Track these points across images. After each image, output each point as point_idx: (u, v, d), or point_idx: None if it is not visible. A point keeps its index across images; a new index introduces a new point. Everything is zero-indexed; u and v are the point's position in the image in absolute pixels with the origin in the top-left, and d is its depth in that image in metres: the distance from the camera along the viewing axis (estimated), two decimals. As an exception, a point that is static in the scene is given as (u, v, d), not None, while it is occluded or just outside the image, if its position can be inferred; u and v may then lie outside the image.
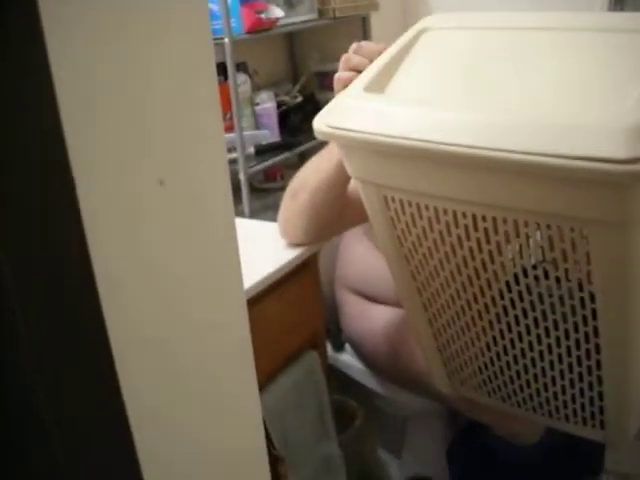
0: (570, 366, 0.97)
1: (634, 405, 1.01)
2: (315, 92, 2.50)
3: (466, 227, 0.88)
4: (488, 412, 1.35)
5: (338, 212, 1.30)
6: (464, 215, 0.86)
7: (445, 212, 0.88)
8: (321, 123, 0.91)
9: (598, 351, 0.92)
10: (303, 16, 2.28)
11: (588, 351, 0.94)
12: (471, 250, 0.90)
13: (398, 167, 0.87)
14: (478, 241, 0.88)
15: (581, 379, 0.98)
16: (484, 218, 0.85)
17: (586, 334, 0.92)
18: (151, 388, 0.47)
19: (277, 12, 2.04)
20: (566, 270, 0.86)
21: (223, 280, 0.53)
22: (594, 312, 0.88)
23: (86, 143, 0.40)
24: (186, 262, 0.49)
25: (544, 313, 0.93)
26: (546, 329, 0.95)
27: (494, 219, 0.84)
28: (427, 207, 0.89)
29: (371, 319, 1.61)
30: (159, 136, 0.46)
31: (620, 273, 0.81)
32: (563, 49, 0.88)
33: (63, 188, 0.39)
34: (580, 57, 0.85)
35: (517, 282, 0.92)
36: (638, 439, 1.09)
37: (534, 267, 0.90)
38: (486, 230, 0.86)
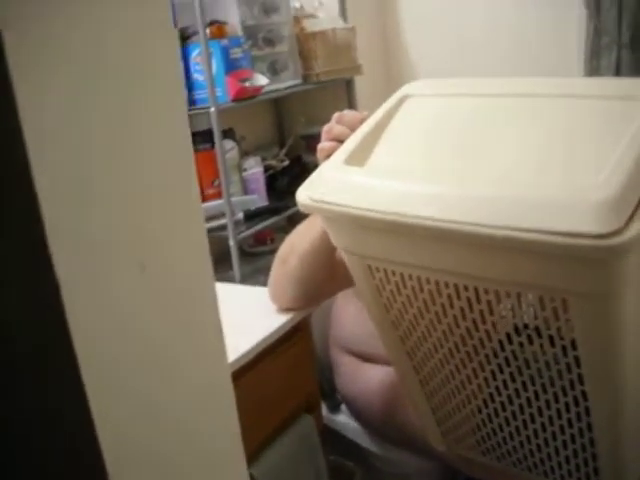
0: (562, 428, 0.97)
1: (628, 466, 1.00)
2: (302, 155, 2.54)
3: (449, 296, 0.88)
4: (486, 470, 1.34)
5: (327, 276, 1.31)
6: (446, 285, 0.86)
7: (428, 281, 0.88)
8: (303, 196, 0.93)
9: (588, 413, 0.92)
10: (288, 82, 2.33)
11: (578, 414, 0.93)
12: (455, 318, 0.91)
13: (378, 239, 0.88)
14: (462, 310, 0.88)
15: (573, 441, 0.97)
16: (466, 288, 0.85)
17: (575, 397, 0.91)
18: (135, 463, 0.48)
19: (261, 80, 2.08)
20: (550, 337, 0.86)
21: (207, 359, 0.54)
22: (581, 376, 0.88)
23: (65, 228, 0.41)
24: (168, 339, 0.50)
25: (532, 377, 0.93)
26: (535, 393, 0.94)
27: (476, 289, 0.84)
28: (410, 277, 0.89)
29: (365, 379, 1.60)
30: (136, 215, 0.47)
31: (603, 341, 0.81)
32: (542, 116, 0.88)
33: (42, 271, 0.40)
34: (553, 125, 0.86)
35: (502, 348, 0.92)
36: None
37: (517, 332, 0.91)
38: (469, 299, 0.86)
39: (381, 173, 0.91)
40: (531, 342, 0.89)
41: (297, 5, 2.48)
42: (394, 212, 0.81)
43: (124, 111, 0.47)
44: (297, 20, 2.39)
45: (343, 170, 0.92)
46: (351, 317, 1.64)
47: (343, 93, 2.52)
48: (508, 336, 0.90)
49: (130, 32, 0.46)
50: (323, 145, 1.08)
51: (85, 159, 0.44)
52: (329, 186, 0.90)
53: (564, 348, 0.86)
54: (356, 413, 1.68)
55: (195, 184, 0.54)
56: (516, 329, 0.92)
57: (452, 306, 0.89)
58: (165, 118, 0.50)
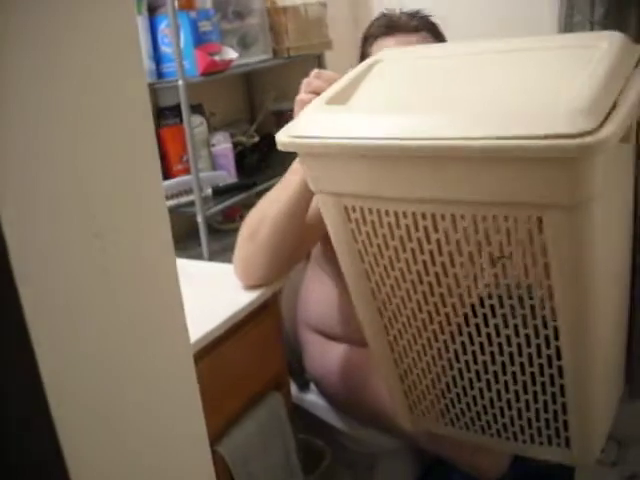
0: (533, 377, 0.98)
1: (598, 417, 1.01)
2: (272, 131, 2.50)
3: (426, 229, 0.90)
4: (452, 446, 1.34)
5: (299, 240, 1.31)
6: (424, 216, 0.89)
7: (405, 215, 0.90)
8: (283, 135, 0.94)
9: (559, 357, 0.94)
10: (258, 56, 2.30)
11: (549, 357, 0.95)
12: (431, 254, 0.92)
13: (359, 173, 0.90)
14: (438, 243, 0.91)
15: (544, 391, 0.99)
16: (443, 217, 0.87)
17: (546, 337, 0.93)
18: (94, 445, 0.46)
19: (231, 53, 2.05)
20: (525, 267, 0.88)
21: (167, 334, 0.52)
22: (553, 310, 0.90)
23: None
24: (127, 317, 0.48)
25: (497, 326, 0.96)
26: (507, 337, 0.97)
27: (453, 217, 0.87)
28: (387, 212, 0.91)
29: (333, 357, 1.60)
30: (96, 189, 0.45)
31: (575, 262, 0.84)
32: (505, 64, 0.95)
33: None
34: (522, 68, 0.93)
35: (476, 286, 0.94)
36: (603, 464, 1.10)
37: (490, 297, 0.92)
38: (445, 230, 0.89)
39: (363, 109, 0.94)
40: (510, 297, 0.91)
41: (268, -22, 2.44)
42: (378, 137, 0.84)
43: (83, 77, 0.45)
44: (268, -6, 2.36)
45: (325, 109, 0.94)
46: (319, 296, 1.63)
47: (313, 68, 2.49)
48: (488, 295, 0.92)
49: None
50: (302, 97, 1.11)
51: (40, 126, 0.42)
52: (311, 123, 0.91)
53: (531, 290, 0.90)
54: (324, 391, 1.68)
55: (156, 156, 0.53)
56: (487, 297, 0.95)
57: (429, 240, 0.91)
58: (124, 88, 0.48)
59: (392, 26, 1.49)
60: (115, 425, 0.48)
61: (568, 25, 2.26)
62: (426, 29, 1.49)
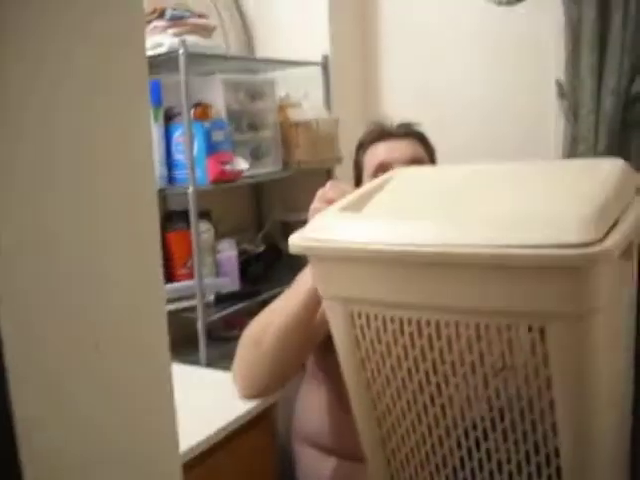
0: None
1: None
2: (278, 241, 2.53)
3: (429, 337, 0.90)
4: None
5: (304, 351, 1.31)
6: (428, 323, 0.89)
7: (409, 323, 0.91)
8: (296, 238, 0.96)
9: (559, 477, 0.92)
10: (268, 167, 2.34)
11: (550, 477, 0.93)
12: (434, 362, 0.92)
13: (368, 277, 0.91)
14: (441, 351, 0.91)
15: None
16: (447, 324, 0.88)
17: (547, 455, 0.92)
18: None
19: (242, 164, 2.09)
20: (526, 379, 0.88)
21: (158, 449, 0.51)
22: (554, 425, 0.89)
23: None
24: (120, 428, 0.47)
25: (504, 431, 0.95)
26: (507, 451, 0.95)
27: (457, 324, 0.88)
28: (392, 319, 0.92)
29: (326, 473, 1.56)
30: (98, 297, 0.45)
31: (577, 374, 0.84)
32: (513, 181, 1.00)
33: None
34: (529, 184, 0.97)
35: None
36: None
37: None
38: (449, 338, 0.89)
39: (376, 217, 0.97)
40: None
41: (282, 94, 2.51)
42: (390, 243, 0.87)
43: (90, 188, 0.45)
44: (282, 108, 2.42)
45: (338, 216, 0.98)
46: (315, 409, 1.61)
47: (323, 182, 2.52)
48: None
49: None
50: (316, 206, 1.13)
51: (47, 230, 0.42)
52: (324, 228, 0.95)
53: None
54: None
55: (159, 270, 0.53)
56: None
57: (432, 348, 0.91)
58: (132, 198, 0.49)
59: (383, 133, 1.58)
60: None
61: (572, 153, 2.31)
62: (414, 136, 1.58)
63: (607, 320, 0.82)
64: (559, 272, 0.77)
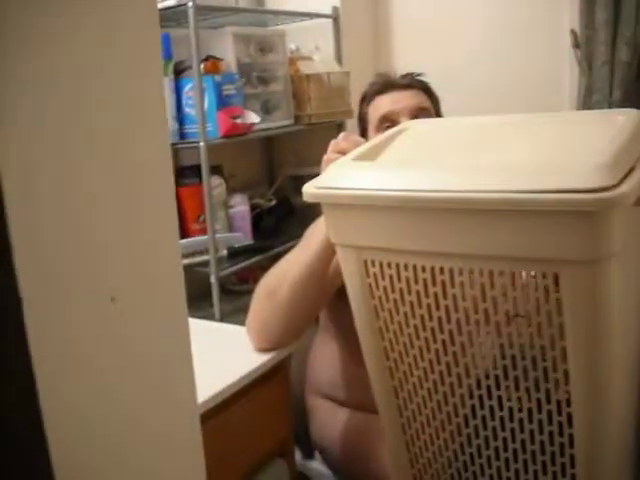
0: (542, 446, 0.97)
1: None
2: (290, 196, 2.53)
3: (443, 284, 0.91)
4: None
5: (318, 301, 1.31)
6: (442, 270, 0.90)
7: (424, 270, 0.91)
8: (310, 187, 0.96)
9: (571, 425, 0.93)
10: (279, 122, 2.33)
11: (561, 424, 0.93)
12: (447, 310, 0.93)
13: (381, 225, 0.92)
14: (454, 298, 0.91)
15: (553, 462, 0.97)
16: (460, 271, 0.89)
17: (558, 403, 0.92)
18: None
19: (253, 117, 2.08)
20: (539, 327, 0.88)
21: (177, 397, 0.51)
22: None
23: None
24: (137, 377, 0.48)
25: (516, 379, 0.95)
26: (518, 399, 0.96)
27: (470, 271, 0.88)
28: (406, 267, 0.92)
29: (340, 425, 1.58)
30: (112, 251, 0.45)
31: (591, 322, 0.84)
32: (528, 131, 1.00)
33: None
34: (545, 134, 0.98)
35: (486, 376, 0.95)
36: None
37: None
38: (462, 285, 0.90)
39: (390, 165, 0.97)
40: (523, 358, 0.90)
41: (293, 47, 2.49)
42: (404, 189, 0.87)
43: (107, 138, 0.45)
44: (292, 61, 2.40)
45: (352, 165, 0.98)
46: (328, 361, 1.62)
47: (334, 136, 2.51)
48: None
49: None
50: (329, 156, 1.14)
51: (68, 179, 0.42)
52: (338, 176, 0.95)
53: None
54: (329, 459, 1.65)
55: (175, 223, 0.53)
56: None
57: (445, 296, 0.92)
58: (146, 152, 0.49)
59: (387, 84, 1.56)
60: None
61: (587, 104, 2.29)
62: (417, 86, 1.56)
63: (621, 266, 0.82)
64: (574, 217, 0.78)
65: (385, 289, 0.96)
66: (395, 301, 0.97)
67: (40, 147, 0.40)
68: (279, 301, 1.29)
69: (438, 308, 0.94)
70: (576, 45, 2.29)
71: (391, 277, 0.95)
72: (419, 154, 1.02)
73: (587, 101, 2.29)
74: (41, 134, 0.40)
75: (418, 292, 0.94)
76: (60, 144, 0.41)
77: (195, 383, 0.54)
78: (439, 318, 0.95)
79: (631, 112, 0.96)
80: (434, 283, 0.92)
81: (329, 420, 1.61)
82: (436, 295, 0.93)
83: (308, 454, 1.76)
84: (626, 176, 0.78)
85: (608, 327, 0.85)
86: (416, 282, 0.93)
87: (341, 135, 1.21)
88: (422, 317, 0.96)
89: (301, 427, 1.72)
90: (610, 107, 2.23)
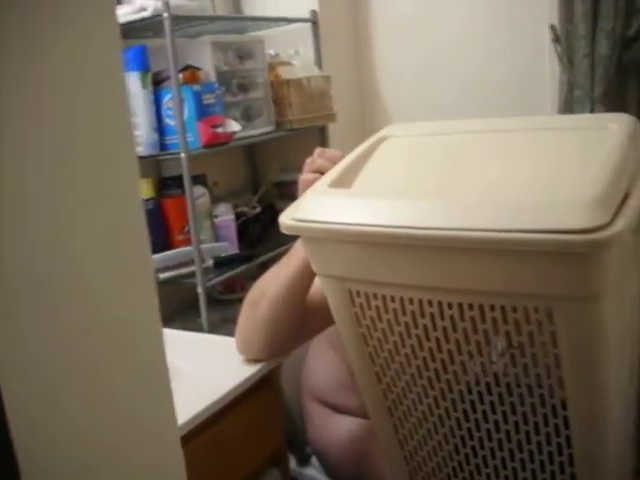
0: (542, 465, 0.95)
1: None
2: (275, 202, 2.52)
3: (432, 316, 0.87)
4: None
5: (298, 321, 1.28)
6: (430, 303, 0.86)
7: (411, 302, 0.87)
8: (287, 218, 0.91)
9: (570, 446, 0.91)
10: (261, 128, 2.32)
11: (560, 445, 0.92)
12: (438, 341, 0.89)
13: (363, 258, 0.88)
14: (445, 330, 0.88)
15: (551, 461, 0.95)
16: (450, 305, 0.85)
17: (556, 426, 0.90)
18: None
19: (234, 126, 2.07)
20: (534, 357, 0.85)
21: (156, 424, 0.50)
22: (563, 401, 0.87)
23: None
24: (113, 406, 0.46)
25: (505, 414, 0.93)
26: (515, 424, 0.93)
27: (460, 306, 0.84)
28: (393, 299, 0.88)
29: (337, 430, 1.57)
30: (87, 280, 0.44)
31: (587, 353, 0.81)
32: (514, 145, 0.93)
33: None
34: (532, 150, 0.90)
35: (485, 374, 0.91)
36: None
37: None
38: (452, 318, 0.86)
39: (367, 193, 0.91)
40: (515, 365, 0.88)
41: (272, 52, 2.48)
42: (382, 224, 0.81)
43: (69, 164, 0.44)
44: (272, 67, 2.39)
45: (328, 192, 0.92)
46: (325, 366, 1.61)
47: (317, 140, 2.52)
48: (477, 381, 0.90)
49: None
50: (306, 177, 1.11)
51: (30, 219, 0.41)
52: (314, 207, 0.90)
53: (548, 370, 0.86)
54: (326, 465, 1.64)
55: (147, 247, 0.51)
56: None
57: (435, 327, 0.88)
58: (111, 172, 0.47)
59: None
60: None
61: (568, 101, 2.28)
62: None
63: (617, 297, 0.79)
64: (565, 257, 0.73)
65: (372, 319, 0.93)
66: (383, 330, 0.93)
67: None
68: (259, 315, 1.27)
69: (429, 339, 0.90)
70: (556, 40, 2.29)
71: (378, 308, 0.91)
72: (396, 178, 0.96)
73: (569, 97, 2.28)
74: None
75: (407, 323, 0.90)
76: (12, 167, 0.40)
77: (175, 414, 0.52)
78: (430, 348, 0.91)
79: (623, 119, 0.90)
80: (422, 315, 0.88)
81: (326, 424, 1.60)
82: (425, 327, 0.89)
83: (303, 461, 1.75)
84: (622, 204, 0.74)
85: (606, 357, 0.82)
86: (404, 314, 0.89)
87: (316, 152, 1.16)
88: (412, 346, 0.92)
89: (296, 433, 1.71)
90: (592, 103, 2.23)
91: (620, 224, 0.70)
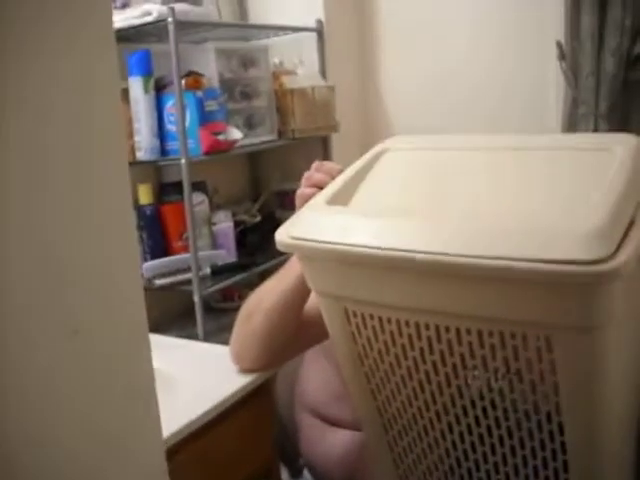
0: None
1: None
2: (275, 211, 2.51)
3: (429, 339, 0.85)
4: None
5: (293, 335, 1.27)
6: (427, 327, 0.84)
7: (408, 324, 0.85)
8: (283, 235, 0.90)
9: (566, 470, 0.89)
10: (263, 137, 2.31)
11: (556, 470, 0.90)
12: (434, 364, 0.88)
13: (360, 278, 0.86)
14: (442, 354, 0.86)
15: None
16: (447, 329, 0.83)
17: (553, 451, 0.88)
18: None
19: (235, 134, 2.05)
20: (532, 383, 0.83)
21: (140, 435, 0.48)
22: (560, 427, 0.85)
23: None
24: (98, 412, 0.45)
25: (501, 438, 0.91)
26: (511, 448, 0.92)
27: (458, 330, 0.82)
28: (389, 320, 0.87)
29: (330, 443, 1.55)
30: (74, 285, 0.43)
31: (586, 383, 0.79)
32: (517, 166, 0.90)
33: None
34: (535, 173, 0.88)
35: (482, 397, 0.89)
36: None
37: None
38: (449, 342, 0.84)
39: (366, 212, 0.89)
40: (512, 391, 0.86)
41: (276, 61, 2.47)
42: (380, 247, 0.79)
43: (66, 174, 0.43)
44: (276, 76, 2.38)
45: (325, 210, 0.91)
46: (319, 379, 1.59)
47: (319, 150, 2.51)
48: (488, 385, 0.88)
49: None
50: (303, 191, 1.09)
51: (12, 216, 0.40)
52: (311, 224, 0.88)
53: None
54: (319, 478, 1.62)
55: (136, 252, 0.50)
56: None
57: (432, 351, 0.86)
58: (104, 183, 0.46)
59: None
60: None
61: (573, 116, 2.27)
62: None
63: (619, 330, 0.76)
64: (565, 288, 0.71)
65: (368, 339, 0.91)
66: (380, 351, 0.91)
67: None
68: (254, 326, 1.27)
69: (425, 362, 0.88)
70: (562, 57, 2.28)
71: (374, 328, 0.89)
72: (397, 194, 0.94)
73: (574, 113, 2.27)
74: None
75: (403, 345, 0.88)
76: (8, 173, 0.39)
77: (159, 419, 0.51)
78: (426, 371, 0.89)
79: (629, 140, 0.86)
80: (419, 338, 0.86)
81: (319, 437, 1.58)
82: (422, 349, 0.87)
83: (295, 473, 1.73)
84: (626, 233, 0.71)
85: (606, 388, 0.80)
86: (400, 335, 0.87)
87: (314, 165, 1.14)
88: (408, 368, 0.91)
89: (288, 444, 1.69)
90: (596, 120, 2.21)
91: (625, 254, 0.68)
